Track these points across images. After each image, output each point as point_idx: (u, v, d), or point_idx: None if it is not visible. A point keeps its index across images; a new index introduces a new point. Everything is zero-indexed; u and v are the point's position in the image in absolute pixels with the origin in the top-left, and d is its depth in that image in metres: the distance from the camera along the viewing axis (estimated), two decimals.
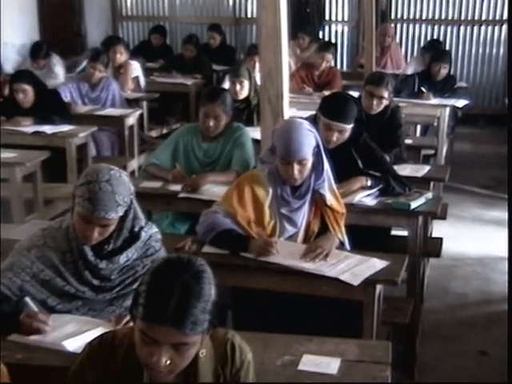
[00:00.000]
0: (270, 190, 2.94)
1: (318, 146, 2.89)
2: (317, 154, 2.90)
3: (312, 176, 2.94)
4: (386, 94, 4.44)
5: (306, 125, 2.88)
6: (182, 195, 3.65)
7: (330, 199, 2.98)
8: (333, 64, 7.40)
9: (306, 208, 2.98)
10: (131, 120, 6.04)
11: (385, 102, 4.46)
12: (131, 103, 6.66)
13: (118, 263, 2.32)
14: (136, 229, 2.34)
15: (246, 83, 5.20)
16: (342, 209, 3.03)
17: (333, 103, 3.56)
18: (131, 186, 2.29)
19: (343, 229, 3.02)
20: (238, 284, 2.85)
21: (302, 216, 2.98)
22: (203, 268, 1.65)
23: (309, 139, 2.85)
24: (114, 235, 2.30)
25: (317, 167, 2.93)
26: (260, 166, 3.07)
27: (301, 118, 3.32)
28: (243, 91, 5.20)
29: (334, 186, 3.03)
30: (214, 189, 3.65)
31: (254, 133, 4.09)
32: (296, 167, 2.86)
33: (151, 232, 2.41)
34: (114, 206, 2.20)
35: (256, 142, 3.90)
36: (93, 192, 2.18)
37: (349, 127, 3.51)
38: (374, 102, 4.44)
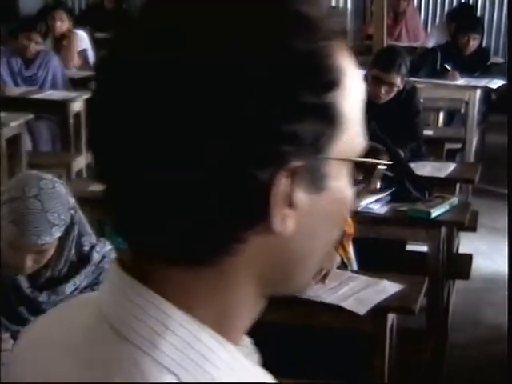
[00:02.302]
0: None
1: None
2: None
3: None
4: (397, 80, 4.39)
5: None
6: None
7: None
8: None
9: None
10: (77, 105, 6.03)
11: (396, 90, 4.43)
12: (77, 84, 6.65)
13: (64, 294, 2.32)
14: (85, 248, 2.34)
15: None
16: (350, 228, 3.05)
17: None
18: (70, 199, 2.27)
19: (351, 253, 3.05)
20: None
21: None
22: None
23: None
24: (54, 258, 2.29)
25: None
26: None
27: None
28: None
29: None
30: None
31: None
32: None
33: (104, 251, 2.40)
34: (48, 227, 2.17)
35: None
36: (18, 212, 2.15)
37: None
38: (383, 91, 4.37)
